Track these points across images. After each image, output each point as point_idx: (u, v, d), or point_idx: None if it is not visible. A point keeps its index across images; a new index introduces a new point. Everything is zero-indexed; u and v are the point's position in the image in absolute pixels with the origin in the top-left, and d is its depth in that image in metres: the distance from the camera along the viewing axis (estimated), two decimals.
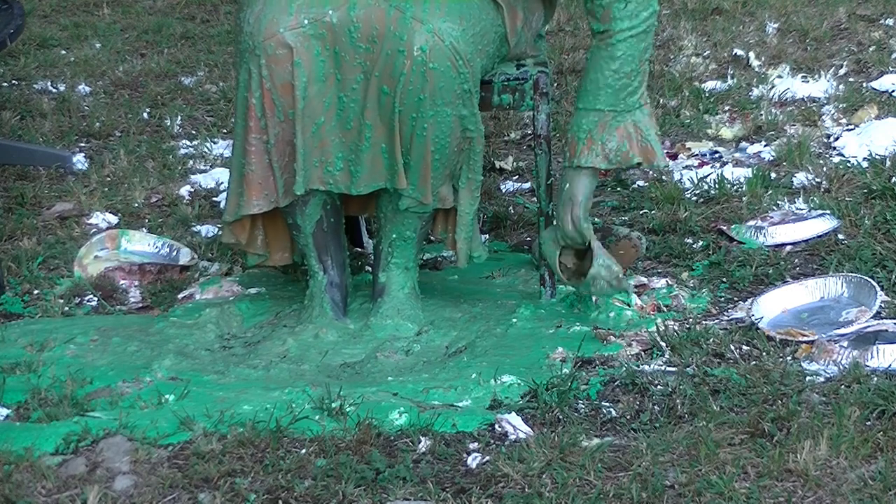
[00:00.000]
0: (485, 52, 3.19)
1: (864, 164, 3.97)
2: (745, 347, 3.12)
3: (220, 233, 3.40)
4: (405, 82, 3.07)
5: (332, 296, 3.30)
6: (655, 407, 2.90)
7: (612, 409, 2.91)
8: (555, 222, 3.29)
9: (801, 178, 3.97)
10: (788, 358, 3.07)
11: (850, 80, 4.77)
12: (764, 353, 3.08)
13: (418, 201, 3.20)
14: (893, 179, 3.83)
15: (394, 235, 3.28)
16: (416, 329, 3.29)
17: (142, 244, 3.76)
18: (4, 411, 2.97)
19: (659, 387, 2.97)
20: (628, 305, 3.31)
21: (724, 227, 3.69)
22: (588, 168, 3.21)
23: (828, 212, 3.71)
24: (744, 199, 3.85)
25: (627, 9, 3.13)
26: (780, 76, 4.79)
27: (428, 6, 3.09)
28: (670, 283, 3.44)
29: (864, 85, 4.71)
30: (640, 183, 4.03)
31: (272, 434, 2.82)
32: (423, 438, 2.82)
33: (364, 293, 3.41)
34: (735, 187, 3.93)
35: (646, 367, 3.05)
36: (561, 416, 2.88)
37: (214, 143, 4.43)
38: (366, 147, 3.15)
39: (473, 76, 3.13)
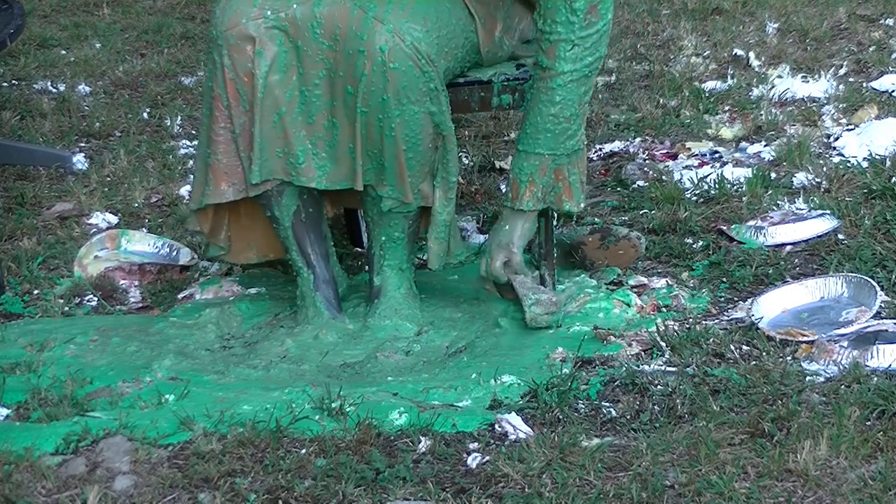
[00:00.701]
0: (452, 55, 3.19)
1: (864, 164, 3.97)
2: (745, 347, 3.12)
3: (187, 220, 3.42)
4: (367, 83, 3.08)
5: (322, 293, 3.30)
6: (655, 407, 2.90)
7: (612, 409, 2.91)
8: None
9: (801, 178, 3.97)
10: (788, 358, 3.07)
11: (850, 80, 4.77)
12: (764, 353, 3.08)
13: (400, 201, 3.21)
14: (893, 179, 3.83)
15: (383, 238, 3.28)
16: (415, 329, 3.29)
17: (142, 244, 3.76)
18: (4, 411, 2.97)
19: (659, 387, 2.97)
20: (628, 305, 3.31)
21: (724, 227, 3.69)
22: (530, 212, 3.24)
23: (828, 212, 3.71)
24: (744, 199, 3.85)
25: (573, 51, 3.11)
26: (780, 76, 4.79)
27: (392, 7, 3.10)
28: (670, 283, 3.44)
29: (864, 85, 4.71)
30: (640, 183, 4.02)
31: (272, 434, 2.81)
32: (423, 438, 2.82)
33: (362, 293, 3.40)
34: (735, 187, 3.93)
35: (646, 367, 3.05)
36: (561, 416, 2.88)
37: None
38: (335, 144, 3.17)
39: (439, 76, 3.13)
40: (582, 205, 3.27)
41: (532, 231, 3.28)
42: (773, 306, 3.28)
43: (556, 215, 3.33)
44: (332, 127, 3.16)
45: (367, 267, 3.56)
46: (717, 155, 4.22)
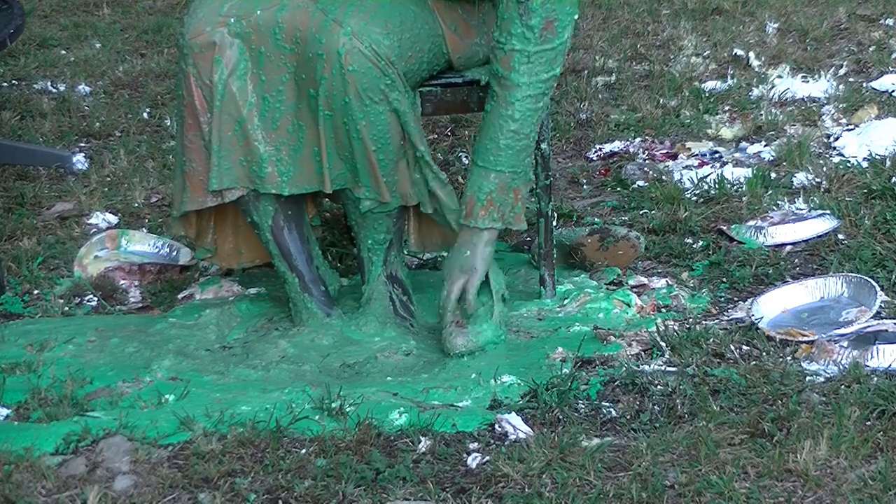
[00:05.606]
0: (416, 58, 3.15)
1: (864, 164, 3.98)
2: (745, 347, 3.12)
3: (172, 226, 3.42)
4: (327, 87, 3.07)
5: (311, 294, 3.29)
6: (655, 407, 2.90)
7: (612, 409, 2.91)
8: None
9: (801, 178, 3.97)
10: (788, 358, 3.07)
11: (850, 80, 4.77)
12: (764, 353, 3.08)
13: (377, 201, 3.19)
14: (893, 179, 3.83)
15: (369, 241, 3.27)
16: None
17: (142, 244, 3.76)
18: (4, 411, 2.97)
19: (659, 387, 2.97)
20: (628, 305, 3.31)
21: (724, 227, 3.69)
22: (487, 230, 3.15)
23: (828, 212, 3.71)
24: (744, 199, 3.85)
25: (529, 65, 3.06)
26: (780, 76, 4.79)
27: (352, 10, 3.08)
28: (670, 283, 3.44)
29: (864, 85, 4.71)
30: (640, 183, 4.03)
31: (272, 434, 2.82)
32: (423, 438, 2.82)
33: (356, 295, 3.39)
34: (735, 187, 3.93)
35: (646, 367, 3.05)
36: (561, 416, 2.88)
37: None
38: (300, 148, 3.16)
39: (400, 78, 3.11)
40: (524, 225, 3.21)
41: (492, 254, 3.18)
42: (773, 306, 3.28)
43: (555, 215, 3.33)
44: (297, 130, 3.15)
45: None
46: (717, 155, 4.23)
